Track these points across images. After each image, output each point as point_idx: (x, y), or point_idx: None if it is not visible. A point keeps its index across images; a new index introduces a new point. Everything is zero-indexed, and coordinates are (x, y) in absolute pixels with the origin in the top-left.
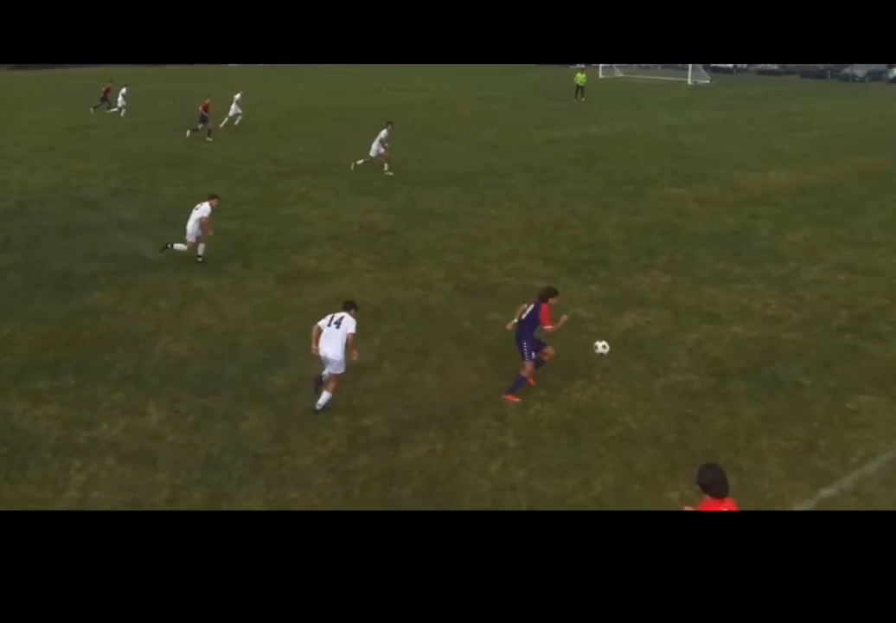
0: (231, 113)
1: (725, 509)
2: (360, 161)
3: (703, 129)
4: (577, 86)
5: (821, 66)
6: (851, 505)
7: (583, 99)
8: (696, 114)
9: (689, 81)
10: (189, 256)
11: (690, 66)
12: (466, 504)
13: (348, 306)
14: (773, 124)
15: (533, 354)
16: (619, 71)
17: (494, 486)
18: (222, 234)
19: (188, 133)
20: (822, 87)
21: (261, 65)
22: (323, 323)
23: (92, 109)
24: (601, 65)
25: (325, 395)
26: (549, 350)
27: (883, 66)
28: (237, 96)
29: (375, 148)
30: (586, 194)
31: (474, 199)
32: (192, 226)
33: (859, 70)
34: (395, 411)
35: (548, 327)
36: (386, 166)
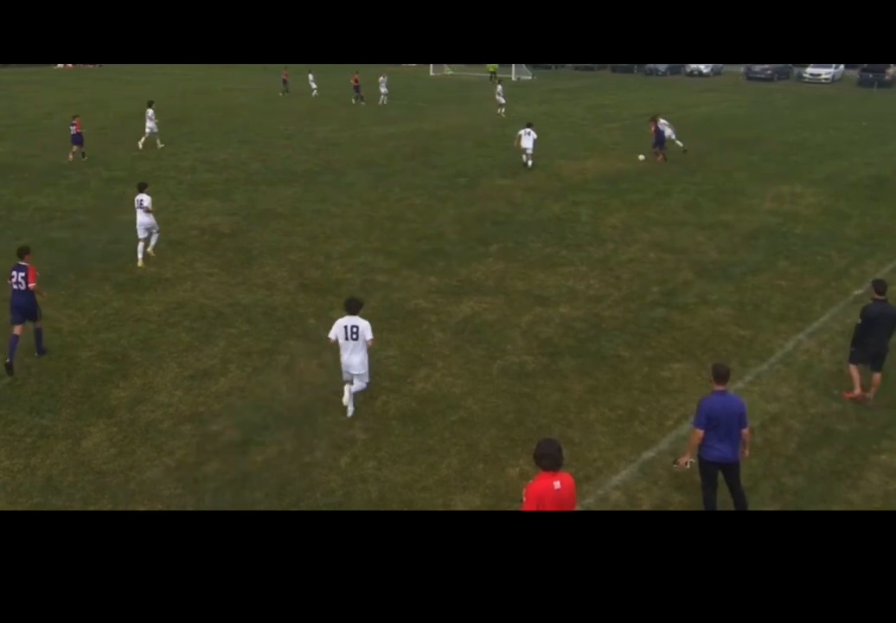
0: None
1: (557, 481)
2: (141, 141)
3: (528, 119)
4: (492, 73)
5: None
6: (668, 464)
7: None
8: (520, 108)
9: (514, 78)
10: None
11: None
12: (318, 500)
13: (354, 308)
14: (589, 116)
15: None
16: (448, 68)
17: (345, 479)
18: (52, 245)
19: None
20: (631, 81)
21: (91, 65)
22: (339, 335)
23: None
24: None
25: (352, 395)
26: None
27: None
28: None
29: (150, 126)
30: (423, 188)
31: (315, 196)
32: (146, 222)
33: (661, 64)
34: (243, 414)
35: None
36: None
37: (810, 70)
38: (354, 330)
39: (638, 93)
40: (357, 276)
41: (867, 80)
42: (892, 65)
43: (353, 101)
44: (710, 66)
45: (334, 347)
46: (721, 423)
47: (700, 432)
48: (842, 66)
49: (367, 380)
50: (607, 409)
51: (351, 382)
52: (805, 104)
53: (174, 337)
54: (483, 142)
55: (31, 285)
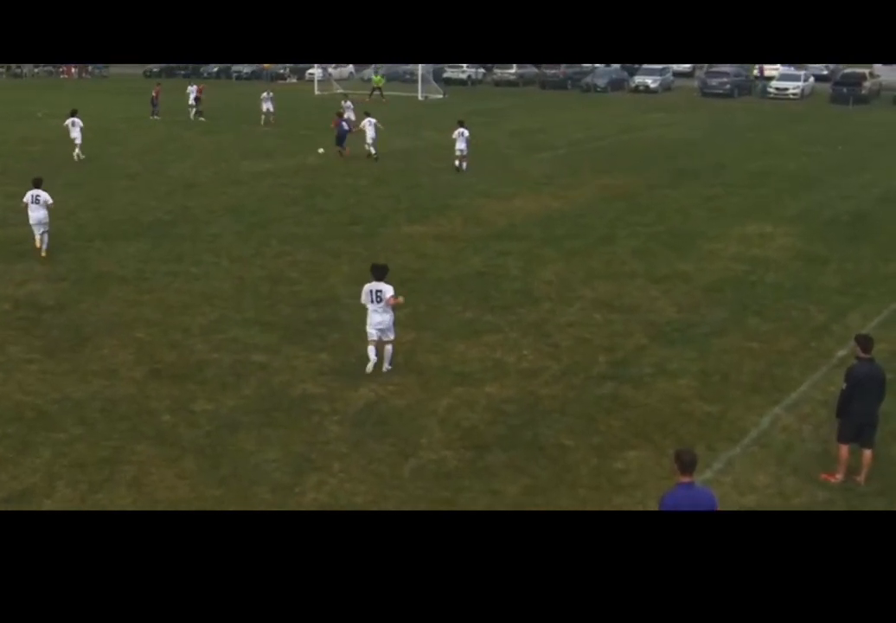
0: None
1: None
2: None
3: (437, 151)
4: (375, 87)
5: (560, 75)
6: None
7: (383, 100)
8: (429, 134)
9: (420, 96)
10: None
11: (420, 77)
12: None
13: (381, 274)
14: (515, 143)
15: None
16: (337, 85)
17: None
18: None
19: None
20: (564, 99)
21: None
22: (365, 299)
23: None
24: (317, 77)
25: (389, 354)
26: None
27: (624, 74)
28: None
29: None
30: (308, 239)
31: (168, 254)
32: (43, 216)
33: (600, 79)
34: None
35: None
36: None
37: (776, 84)
38: (378, 294)
39: (573, 113)
40: (226, 355)
41: (841, 94)
42: (867, 77)
43: (192, 116)
44: (658, 79)
45: (197, 451)
46: None
47: None
48: (811, 79)
49: (392, 336)
50: None
51: (379, 344)
52: (771, 124)
53: None
54: (383, 178)
55: None
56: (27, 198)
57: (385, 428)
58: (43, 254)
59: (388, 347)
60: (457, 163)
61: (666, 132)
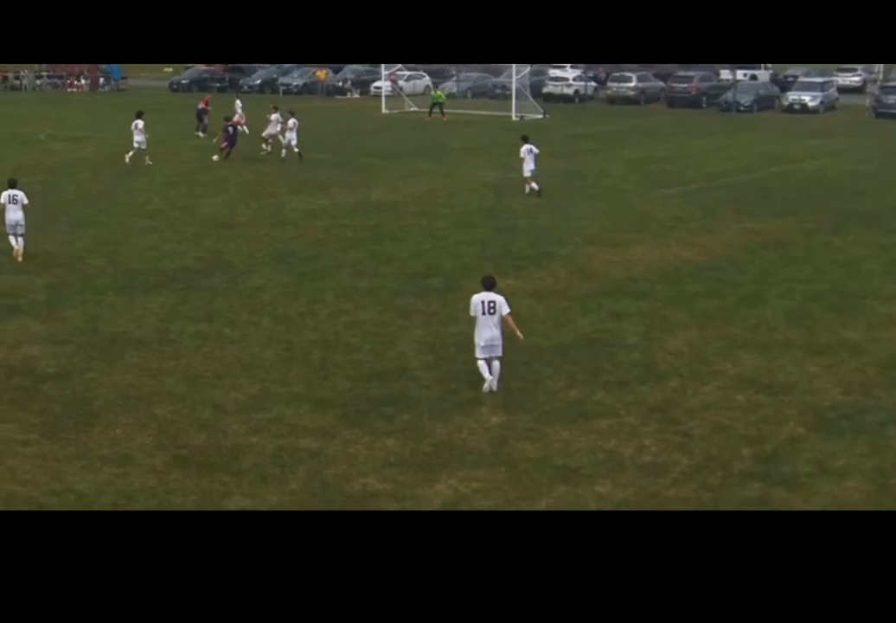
0: None
1: None
2: None
3: (538, 183)
4: (434, 103)
5: (692, 90)
6: None
7: (444, 118)
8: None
9: (515, 116)
10: None
11: (514, 92)
12: None
13: (490, 284)
14: (634, 176)
15: None
16: (409, 102)
17: None
18: None
19: None
20: (697, 120)
21: None
22: (477, 310)
23: None
24: (384, 93)
25: (498, 371)
26: None
27: (775, 90)
28: None
29: None
30: (372, 295)
31: (197, 312)
32: (20, 217)
33: (744, 95)
34: None
35: None
36: None
37: None
38: (492, 305)
39: (709, 138)
40: (267, 440)
41: None
42: None
43: (198, 132)
44: (818, 96)
45: None
46: None
47: None
48: None
49: (501, 353)
50: None
51: (489, 360)
52: None
53: None
54: (467, 219)
55: None
56: (3, 198)
57: None
58: (20, 259)
59: (497, 364)
60: (535, 186)
61: (829, 164)
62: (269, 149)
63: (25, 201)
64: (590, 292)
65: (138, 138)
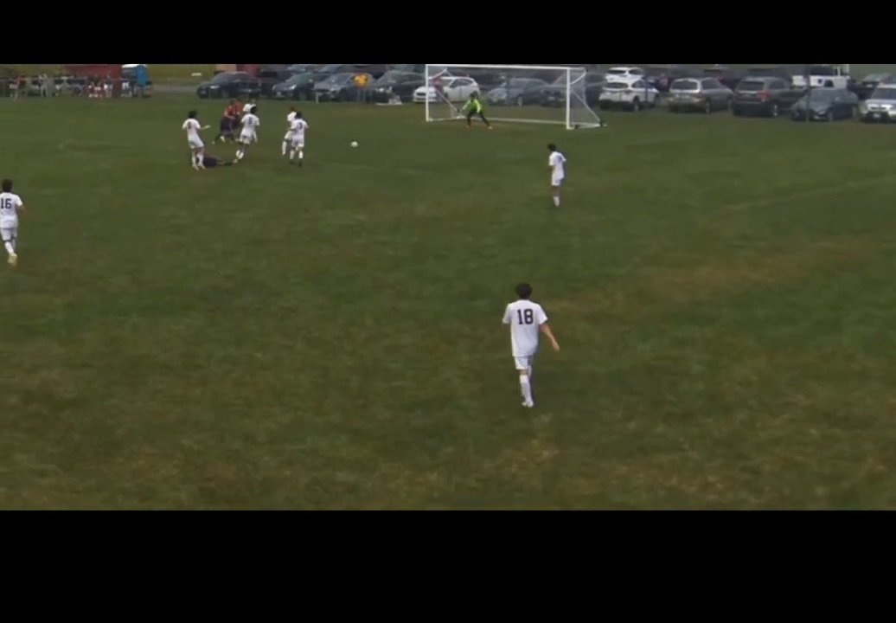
0: None
1: None
2: None
3: (590, 199)
4: (471, 111)
5: (762, 97)
6: None
7: (489, 127)
8: (578, 177)
9: (569, 125)
10: None
11: (568, 99)
12: None
13: (526, 292)
14: (698, 191)
15: None
16: (455, 109)
17: None
18: None
19: None
20: (768, 130)
21: None
22: (514, 319)
23: None
24: (428, 99)
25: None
26: None
27: (852, 97)
28: None
29: None
30: (414, 317)
31: (226, 335)
32: (14, 221)
33: (819, 103)
34: None
35: None
36: None
37: None
38: (528, 313)
39: (780, 150)
40: (301, 473)
41: None
42: None
43: (221, 138)
44: None
45: None
46: None
47: None
48: None
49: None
50: None
51: (527, 371)
52: None
53: None
54: (517, 236)
55: None
56: None
57: None
58: (14, 263)
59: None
60: (556, 201)
61: None
62: (241, 155)
63: (20, 203)
64: (650, 316)
65: (192, 138)
